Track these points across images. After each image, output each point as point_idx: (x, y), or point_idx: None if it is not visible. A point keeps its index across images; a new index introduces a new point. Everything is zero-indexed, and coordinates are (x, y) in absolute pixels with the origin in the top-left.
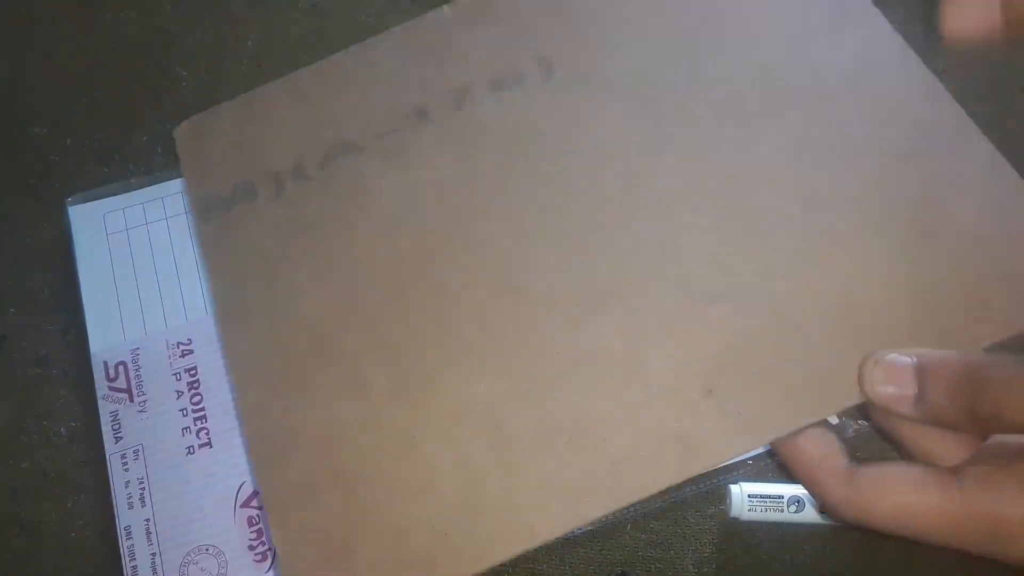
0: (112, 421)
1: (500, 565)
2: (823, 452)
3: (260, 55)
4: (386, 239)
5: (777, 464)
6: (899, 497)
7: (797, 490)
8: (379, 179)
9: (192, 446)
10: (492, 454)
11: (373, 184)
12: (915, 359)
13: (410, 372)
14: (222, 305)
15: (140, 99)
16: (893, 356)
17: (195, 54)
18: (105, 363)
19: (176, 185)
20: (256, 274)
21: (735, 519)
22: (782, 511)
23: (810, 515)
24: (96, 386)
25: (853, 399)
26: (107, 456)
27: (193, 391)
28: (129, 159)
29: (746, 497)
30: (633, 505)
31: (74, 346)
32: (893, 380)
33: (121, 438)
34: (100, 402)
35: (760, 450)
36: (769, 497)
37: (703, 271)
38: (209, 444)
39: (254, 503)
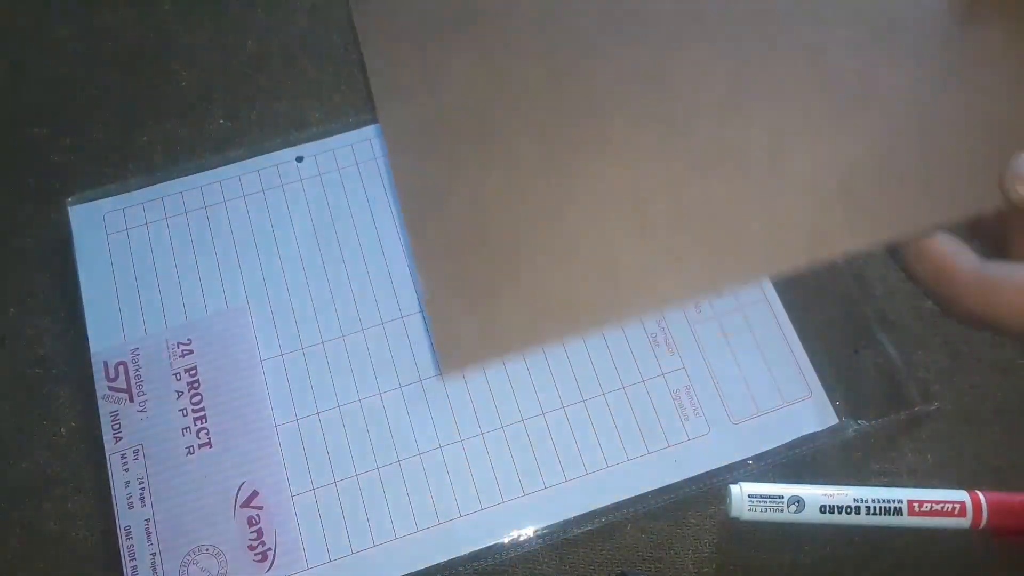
0: (112, 421)
1: (501, 560)
2: (953, 249)
3: (260, 55)
4: (540, 32)
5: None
6: None
7: (797, 490)
8: None
9: (192, 446)
10: (630, 229)
11: None
12: None
13: (558, 152)
14: (376, 76)
15: (140, 99)
16: None
17: (195, 54)
18: (105, 363)
19: (176, 185)
20: (409, 51)
21: (735, 519)
22: (782, 511)
23: (810, 515)
24: (96, 386)
25: (989, 204)
26: (107, 456)
27: (193, 391)
28: (129, 159)
29: (746, 497)
30: (632, 504)
31: (74, 346)
32: None
33: (121, 438)
34: (100, 402)
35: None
36: (769, 497)
37: (851, 77)
38: (209, 444)
39: (254, 503)
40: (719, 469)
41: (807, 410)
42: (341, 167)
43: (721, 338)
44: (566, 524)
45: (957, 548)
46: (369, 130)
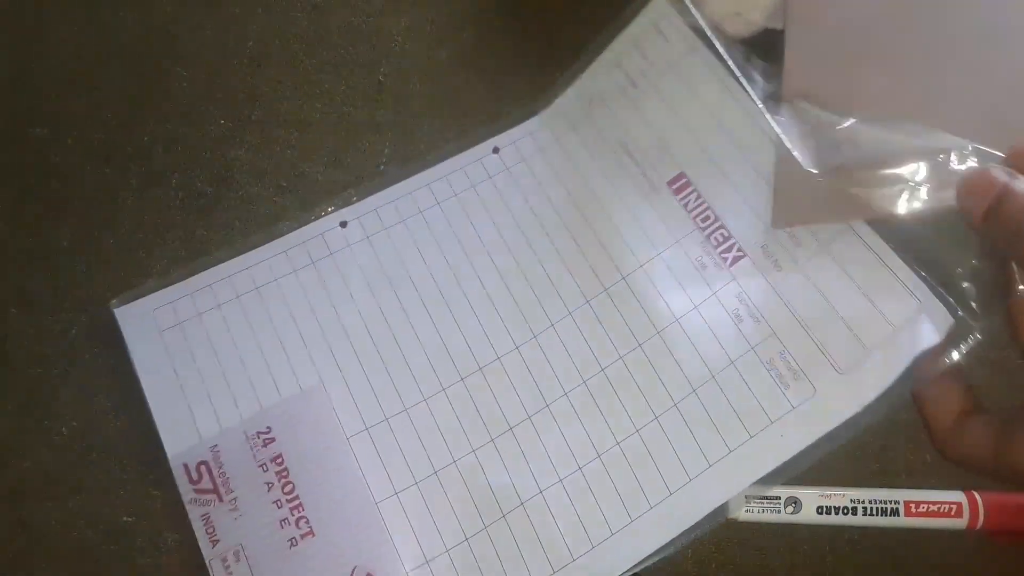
0: (205, 525)
1: None
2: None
3: (260, 55)
4: None
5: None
6: None
7: (794, 491)
8: None
9: (294, 538)
10: None
11: None
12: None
13: None
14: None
15: (140, 99)
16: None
17: (195, 54)
18: (185, 465)
19: (222, 270)
20: None
21: (733, 519)
22: (779, 512)
23: (807, 516)
24: (180, 491)
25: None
26: (207, 562)
27: (284, 480)
28: (130, 159)
29: (743, 497)
30: None
31: (75, 345)
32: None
33: (218, 541)
34: (188, 507)
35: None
36: (766, 498)
37: None
38: (311, 532)
39: None
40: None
41: (922, 322)
42: (387, 226)
43: (809, 286)
44: None
45: (954, 549)
46: (411, 182)
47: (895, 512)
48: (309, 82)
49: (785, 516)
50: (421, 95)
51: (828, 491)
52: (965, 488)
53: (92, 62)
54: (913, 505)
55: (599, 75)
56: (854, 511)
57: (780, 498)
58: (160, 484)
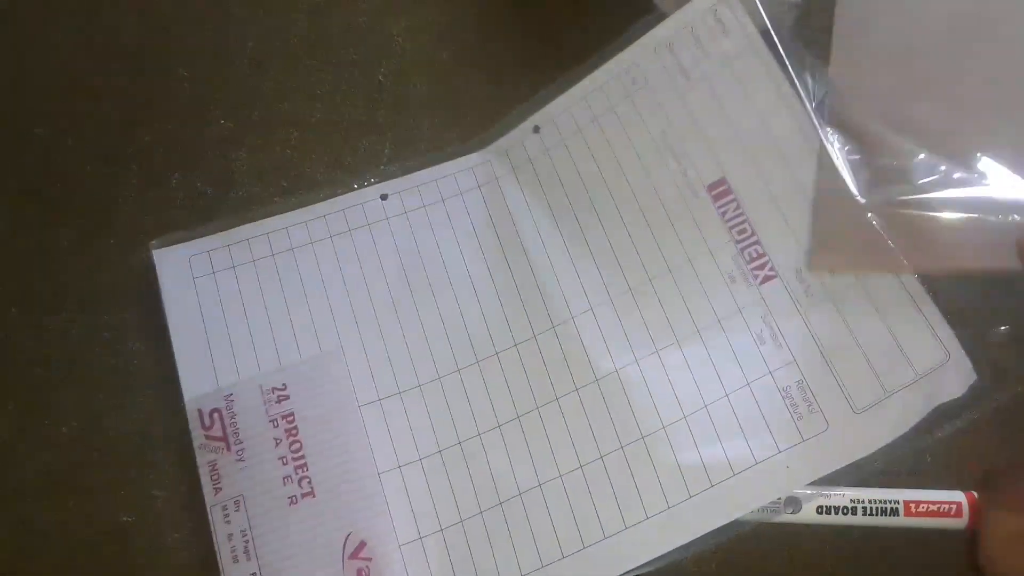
0: (211, 471)
1: None
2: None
3: (260, 55)
4: None
5: None
6: None
7: (794, 491)
8: None
9: (295, 496)
10: None
11: None
12: None
13: None
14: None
15: (140, 99)
16: None
17: (195, 54)
18: (199, 411)
19: (260, 227)
20: None
21: (734, 520)
22: (779, 512)
23: (807, 516)
24: (192, 436)
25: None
26: (208, 508)
27: (292, 438)
28: (130, 159)
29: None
30: None
31: (75, 345)
32: None
33: (221, 489)
34: (197, 452)
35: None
36: None
37: None
38: (312, 494)
39: (362, 554)
40: (846, 467)
41: (947, 375)
42: (427, 203)
43: (838, 319)
44: None
45: (953, 549)
46: (452, 164)
47: (895, 512)
48: (309, 82)
49: (785, 516)
50: (421, 95)
51: (828, 491)
52: (965, 488)
53: (92, 62)
54: (913, 505)
55: (645, 54)
56: (854, 511)
57: (780, 498)
58: (160, 484)
